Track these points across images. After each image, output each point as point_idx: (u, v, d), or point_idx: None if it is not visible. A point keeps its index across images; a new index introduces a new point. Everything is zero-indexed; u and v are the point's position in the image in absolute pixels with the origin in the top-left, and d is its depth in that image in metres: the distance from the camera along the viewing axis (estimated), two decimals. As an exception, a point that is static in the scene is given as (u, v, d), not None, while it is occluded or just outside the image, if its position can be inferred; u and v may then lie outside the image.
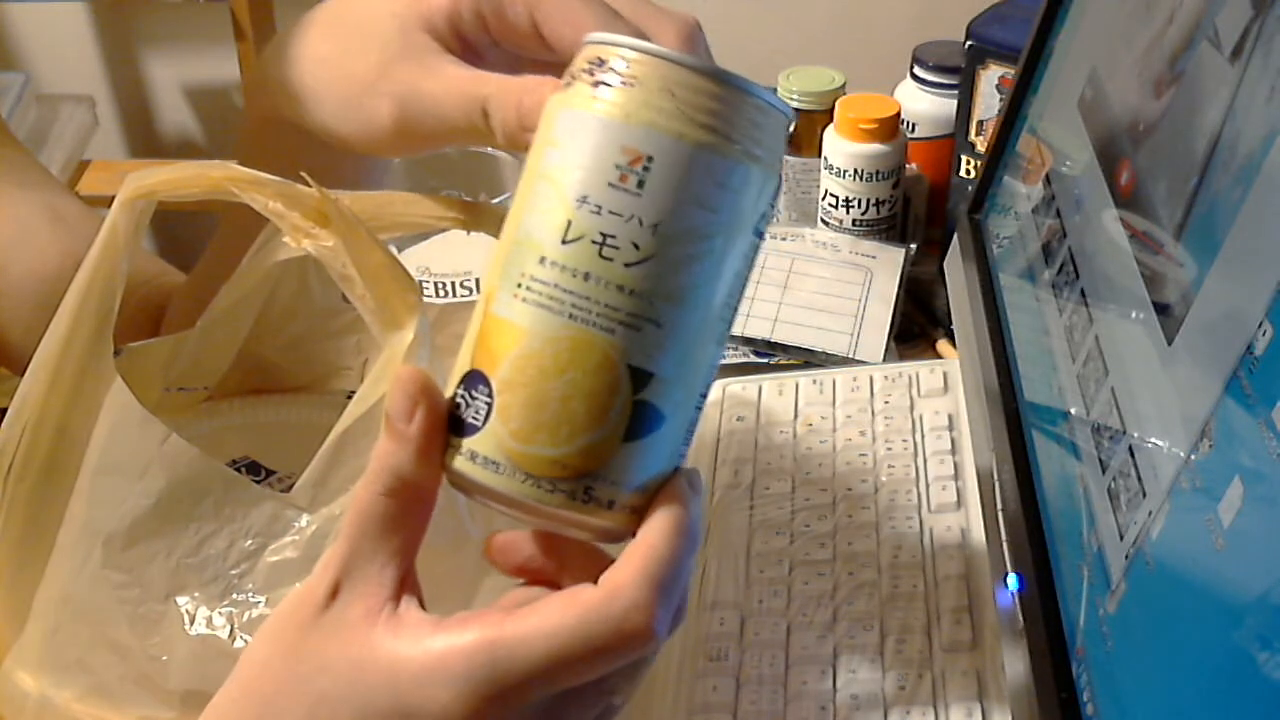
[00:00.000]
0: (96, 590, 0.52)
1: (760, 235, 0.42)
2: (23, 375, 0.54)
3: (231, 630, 0.52)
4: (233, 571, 0.53)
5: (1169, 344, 0.49)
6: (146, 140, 2.08)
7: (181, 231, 1.26)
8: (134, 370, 0.57)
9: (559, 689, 0.39)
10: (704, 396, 0.42)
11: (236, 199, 0.51)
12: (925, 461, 0.74)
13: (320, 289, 0.66)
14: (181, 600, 0.52)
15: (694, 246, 0.39)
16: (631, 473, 0.40)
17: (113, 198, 0.52)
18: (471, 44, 0.50)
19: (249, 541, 0.53)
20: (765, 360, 0.87)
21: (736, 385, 0.82)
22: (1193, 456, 0.45)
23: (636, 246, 0.39)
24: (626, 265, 0.39)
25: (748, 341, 0.87)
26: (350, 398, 0.57)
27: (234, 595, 0.53)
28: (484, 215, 0.53)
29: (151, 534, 0.53)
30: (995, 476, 0.64)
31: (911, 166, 0.99)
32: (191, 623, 0.52)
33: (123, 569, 0.52)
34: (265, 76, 0.55)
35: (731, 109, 0.39)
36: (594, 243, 0.39)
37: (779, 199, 0.45)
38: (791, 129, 0.43)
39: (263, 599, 0.52)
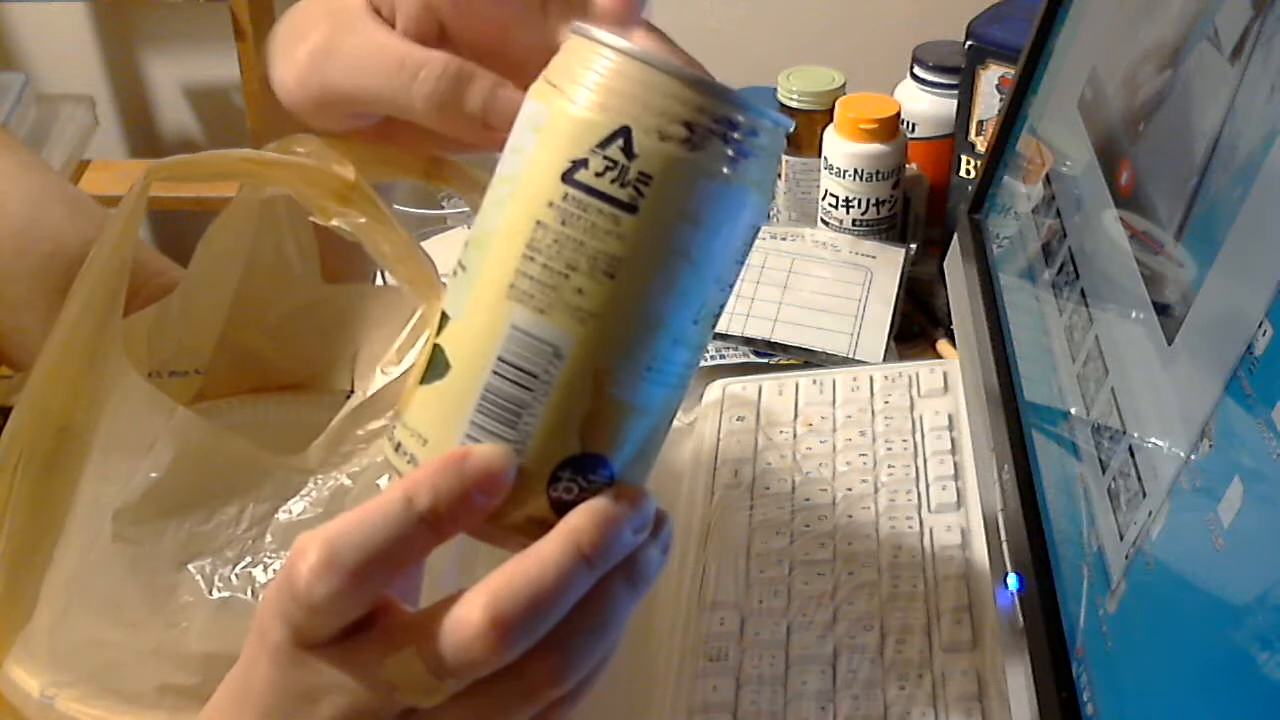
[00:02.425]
0: (107, 566, 0.52)
1: None
2: (27, 368, 0.54)
3: (253, 590, 0.53)
4: (246, 535, 0.54)
5: (1169, 344, 0.49)
6: (146, 140, 2.08)
7: (182, 231, 1.26)
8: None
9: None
10: None
11: (259, 181, 0.52)
12: (925, 461, 0.74)
13: (299, 258, 0.65)
14: (195, 567, 0.53)
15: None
16: None
17: (112, 198, 0.53)
18: (415, 29, 0.50)
19: (260, 506, 0.54)
20: (765, 360, 0.87)
21: (736, 385, 0.82)
22: (1193, 456, 0.45)
23: (722, 310, 0.41)
24: (714, 327, 0.41)
25: (748, 341, 0.87)
26: (350, 398, 0.58)
27: (249, 557, 0.53)
28: (447, 170, 0.54)
29: (161, 506, 0.54)
30: (995, 476, 0.64)
31: (911, 166, 0.99)
32: (210, 587, 0.53)
33: (134, 542, 0.53)
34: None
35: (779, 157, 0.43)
36: (712, 316, 0.40)
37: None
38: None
39: (281, 556, 0.53)
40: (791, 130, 0.41)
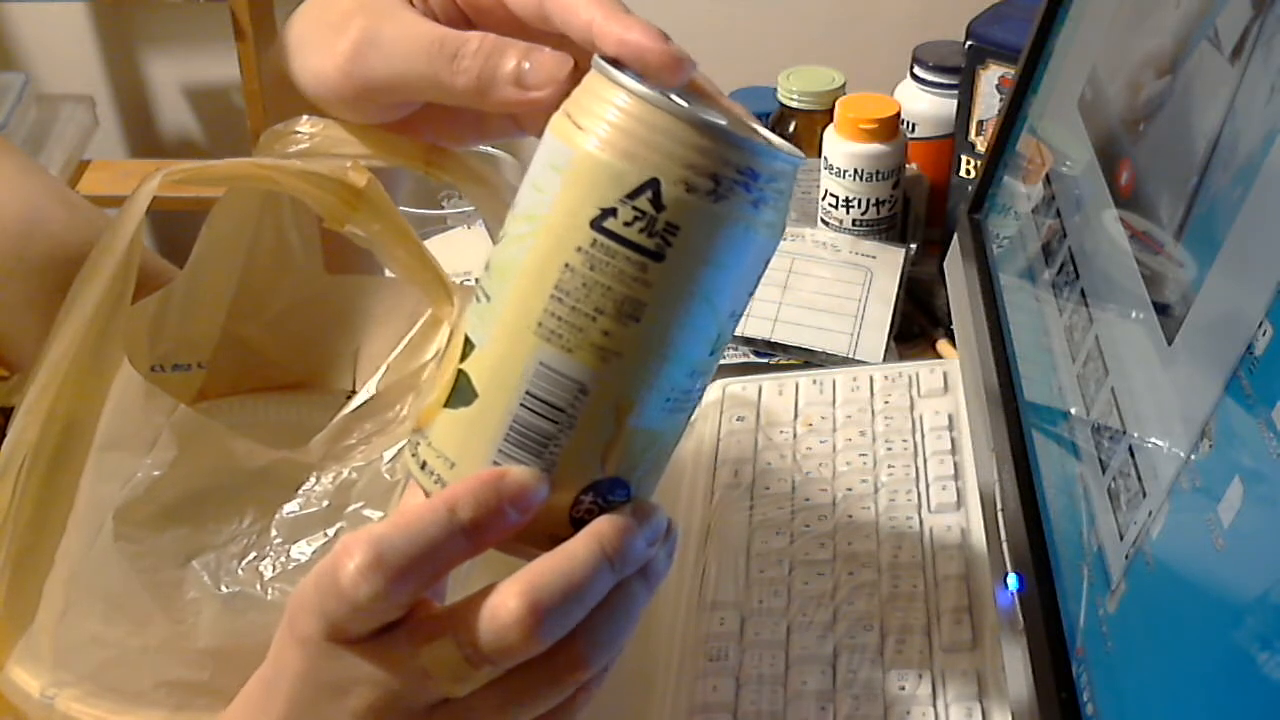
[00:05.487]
0: (109, 564, 0.52)
1: None
2: (22, 369, 0.54)
3: (261, 584, 0.53)
4: (250, 530, 0.54)
5: (1169, 344, 0.49)
6: (146, 140, 2.08)
7: (182, 232, 1.26)
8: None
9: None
10: None
11: (271, 186, 0.52)
12: (925, 461, 0.74)
13: (301, 245, 0.64)
14: (199, 563, 0.53)
15: None
16: None
17: (112, 197, 0.53)
18: (440, 20, 0.51)
19: (262, 501, 0.54)
20: (765, 360, 0.87)
21: (736, 385, 0.82)
22: (1193, 456, 0.45)
23: (733, 334, 0.43)
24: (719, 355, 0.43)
25: (748, 341, 0.87)
26: (351, 398, 0.58)
27: (254, 552, 0.54)
28: (447, 160, 0.55)
29: (163, 504, 0.54)
30: (995, 476, 0.64)
31: (911, 166, 0.99)
32: (218, 583, 0.53)
33: (135, 540, 0.53)
34: (280, 35, 0.56)
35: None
36: (725, 344, 0.42)
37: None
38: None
39: (288, 549, 0.54)
40: (804, 163, 0.42)
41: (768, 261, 0.42)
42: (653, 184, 0.38)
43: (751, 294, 0.42)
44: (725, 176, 0.38)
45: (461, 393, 0.41)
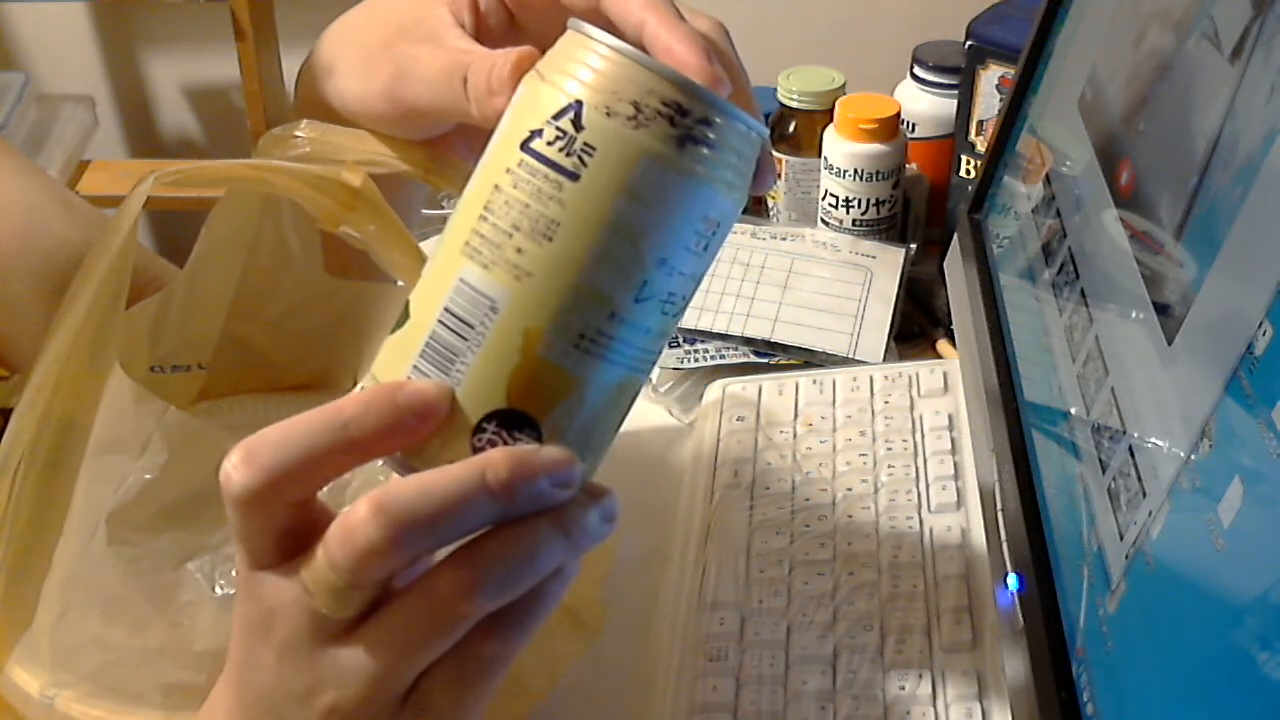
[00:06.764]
0: (105, 567, 0.52)
1: None
2: (22, 369, 0.54)
3: None
4: None
5: (1169, 344, 0.49)
6: (146, 140, 2.08)
7: (181, 232, 1.26)
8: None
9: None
10: None
11: (266, 188, 0.52)
12: (925, 461, 0.74)
13: (301, 247, 0.65)
14: (194, 565, 0.53)
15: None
16: None
17: (112, 197, 0.53)
18: (489, 26, 0.52)
19: None
20: (765, 360, 0.87)
21: (736, 385, 0.82)
22: (1193, 456, 0.45)
23: (686, 300, 0.42)
24: (675, 317, 0.42)
25: (748, 341, 0.87)
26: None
27: None
28: (445, 168, 0.55)
29: (158, 506, 0.54)
30: (995, 476, 0.64)
31: (911, 166, 0.99)
32: (213, 585, 0.53)
33: (131, 543, 0.53)
34: (312, 54, 0.56)
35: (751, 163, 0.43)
36: (661, 300, 0.41)
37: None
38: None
39: None
40: (765, 134, 0.42)
41: (717, 223, 0.41)
42: (575, 105, 0.39)
43: (698, 255, 0.41)
44: (647, 105, 0.39)
45: (401, 318, 0.42)
